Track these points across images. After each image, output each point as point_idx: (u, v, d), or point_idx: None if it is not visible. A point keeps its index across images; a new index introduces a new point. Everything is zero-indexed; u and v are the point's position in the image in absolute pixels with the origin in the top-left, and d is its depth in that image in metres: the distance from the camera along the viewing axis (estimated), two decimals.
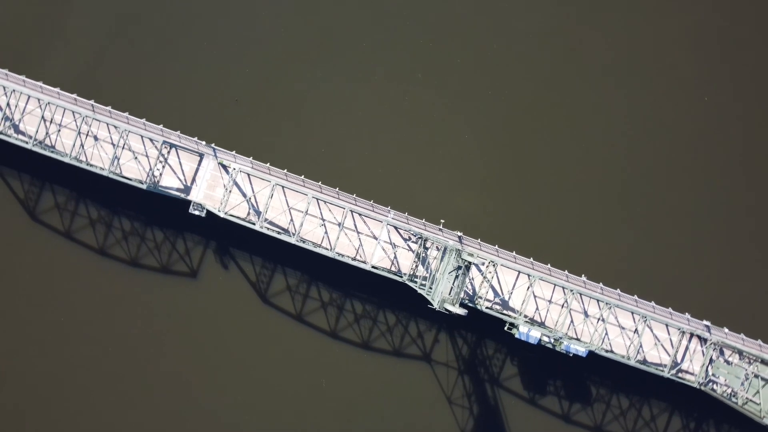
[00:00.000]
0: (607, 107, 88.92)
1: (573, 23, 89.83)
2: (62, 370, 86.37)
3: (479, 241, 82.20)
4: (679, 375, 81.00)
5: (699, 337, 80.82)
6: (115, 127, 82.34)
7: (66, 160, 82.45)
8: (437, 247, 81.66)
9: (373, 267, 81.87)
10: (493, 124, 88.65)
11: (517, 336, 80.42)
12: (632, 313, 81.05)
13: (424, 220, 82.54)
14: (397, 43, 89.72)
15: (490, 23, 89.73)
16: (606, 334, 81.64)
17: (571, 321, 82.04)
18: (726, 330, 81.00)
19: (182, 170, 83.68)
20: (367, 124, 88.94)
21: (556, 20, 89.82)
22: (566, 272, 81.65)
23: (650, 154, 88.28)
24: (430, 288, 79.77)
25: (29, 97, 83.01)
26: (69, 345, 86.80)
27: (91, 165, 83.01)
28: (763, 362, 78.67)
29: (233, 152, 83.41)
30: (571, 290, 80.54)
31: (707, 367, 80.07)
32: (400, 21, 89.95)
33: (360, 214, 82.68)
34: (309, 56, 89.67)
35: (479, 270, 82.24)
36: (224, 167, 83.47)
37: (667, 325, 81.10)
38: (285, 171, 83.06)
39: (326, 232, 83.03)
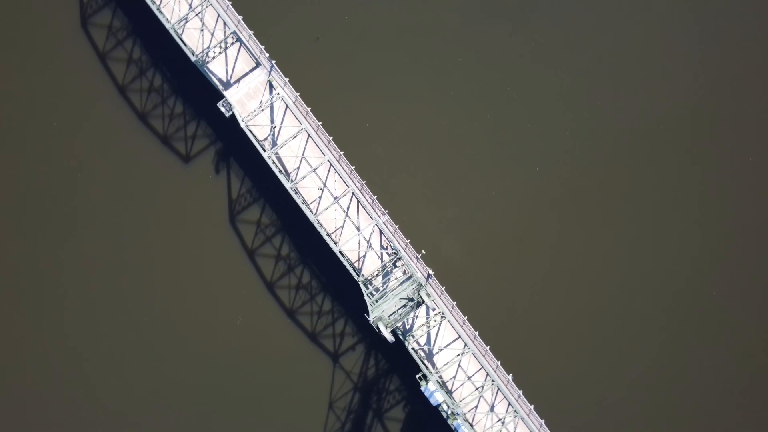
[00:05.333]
0: (654, 247, 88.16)
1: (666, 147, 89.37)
2: (21, 176, 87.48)
3: (443, 289, 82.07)
4: None
5: None
6: None
7: None
8: (404, 271, 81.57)
9: (340, 252, 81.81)
10: (524, 200, 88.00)
11: (422, 389, 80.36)
12: None
13: (408, 241, 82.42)
14: (483, 74, 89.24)
15: (574, 109, 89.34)
16: None
17: (476, 406, 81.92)
18: None
19: (234, 66, 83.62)
20: (418, 129, 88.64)
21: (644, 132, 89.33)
22: (499, 362, 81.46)
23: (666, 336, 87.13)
24: (376, 301, 79.66)
25: None
26: (42, 152, 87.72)
27: (161, 11, 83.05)
28: None
29: (287, 79, 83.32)
30: (492, 381, 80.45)
31: None
32: (500, 60, 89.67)
33: (358, 201, 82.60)
34: (408, 38, 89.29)
35: (427, 313, 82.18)
36: (271, 87, 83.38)
37: None
38: (320, 124, 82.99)
39: (320, 198, 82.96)
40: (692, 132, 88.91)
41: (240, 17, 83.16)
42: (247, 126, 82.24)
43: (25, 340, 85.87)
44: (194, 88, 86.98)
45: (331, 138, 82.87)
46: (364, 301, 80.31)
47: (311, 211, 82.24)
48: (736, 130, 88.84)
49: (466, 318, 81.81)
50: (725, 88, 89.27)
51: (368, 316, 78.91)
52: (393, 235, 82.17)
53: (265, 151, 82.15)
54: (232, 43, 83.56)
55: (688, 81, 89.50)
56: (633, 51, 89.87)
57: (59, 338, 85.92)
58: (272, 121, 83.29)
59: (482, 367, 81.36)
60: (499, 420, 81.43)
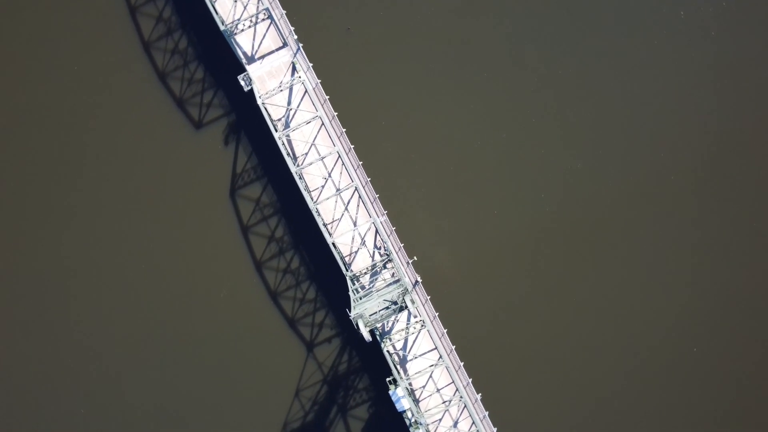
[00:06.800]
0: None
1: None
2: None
3: (429, 298, 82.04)
4: None
5: None
6: None
7: None
8: (393, 274, 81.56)
9: (333, 244, 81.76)
10: (524, 224, 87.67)
11: (390, 392, 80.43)
12: None
13: (402, 245, 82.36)
14: (507, 94, 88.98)
15: (590, 146, 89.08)
16: None
17: (440, 420, 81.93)
18: None
19: (261, 43, 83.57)
20: (433, 136, 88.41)
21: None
22: (470, 380, 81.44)
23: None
24: (360, 299, 79.66)
25: None
26: (59, 93, 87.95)
27: None
28: None
29: (311, 64, 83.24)
30: (461, 397, 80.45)
31: None
32: (525, 83, 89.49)
33: (360, 197, 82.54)
34: (438, 45, 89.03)
35: (408, 319, 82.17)
36: (294, 69, 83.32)
37: None
38: (336, 114, 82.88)
39: (322, 187, 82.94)
40: (700, 190, 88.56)
41: None
42: (263, 103, 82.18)
43: (24, 282, 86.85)
44: (217, 58, 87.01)
45: (344, 130, 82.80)
46: (348, 296, 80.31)
47: (312, 199, 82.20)
48: (742, 194, 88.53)
49: (445, 331, 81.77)
50: (738, 153, 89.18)
51: (350, 311, 78.90)
52: (388, 236, 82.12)
53: (276, 131, 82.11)
54: (263, 20, 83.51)
55: (705, 139, 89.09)
56: (656, 101, 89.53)
57: (55, 283, 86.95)
58: (289, 103, 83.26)
59: (453, 381, 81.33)
60: None
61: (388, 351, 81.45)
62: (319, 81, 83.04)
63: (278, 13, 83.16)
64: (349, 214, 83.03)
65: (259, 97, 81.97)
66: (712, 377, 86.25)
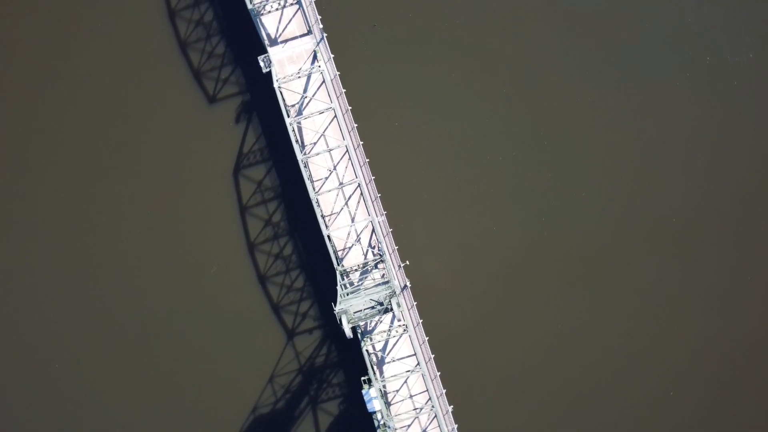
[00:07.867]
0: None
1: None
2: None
3: (415, 304, 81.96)
4: None
5: None
6: None
7: None
8: (383, 275, 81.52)
9: (328, 236, 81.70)
10: (520, 245, 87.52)
11: (363, 392, 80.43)
12: None
13: (396, 248, 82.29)
14: (524, 112, 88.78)
15: (597, 176, 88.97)
16: None
17: (409, 426, 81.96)
18: None
19: (285, 27, 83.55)
20: (443, 144, 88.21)
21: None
22: (444, 391, 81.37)
23: None
24: (347, 294, 79.60)
25: None
26: (80, 47, 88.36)
27: None
28: None
29: (332, 55, 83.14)
30: (432, 407, 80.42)
31: None
32: (543, 104, 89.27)
33: (361, 194, 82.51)
34: (463, 55, 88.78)
35: (391, 322, 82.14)
36: (315, 57, 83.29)
37: None
38: (350, 108, 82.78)
39: (326, 178, 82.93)
40: (703, 235, 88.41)
41: None
42: (279, 87, 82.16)
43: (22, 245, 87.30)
44: (240, 36, 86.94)
45: (356, 125, 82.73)
46: (336, 290, 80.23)
47: (314, 189, 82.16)
48: (744, 250, 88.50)
49: (427, 339, 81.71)
50: (745, 204, 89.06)
51: (335, 305, 78.82)
52: (384, 237, 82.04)
53: (288, 116, 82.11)
54: (291, 4, 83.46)
55: (713, 186, 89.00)
56: (669, 142, 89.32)
57: (52, 245, 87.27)
58: (305, 91, 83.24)
59: (427, 390, 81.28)
60: None
61: (367, 350, 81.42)
62: (338, 73, 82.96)
63: (308, 1, 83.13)
64: (348, 209, 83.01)
65: (277, 80, 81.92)
66: (694, 416, 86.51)
